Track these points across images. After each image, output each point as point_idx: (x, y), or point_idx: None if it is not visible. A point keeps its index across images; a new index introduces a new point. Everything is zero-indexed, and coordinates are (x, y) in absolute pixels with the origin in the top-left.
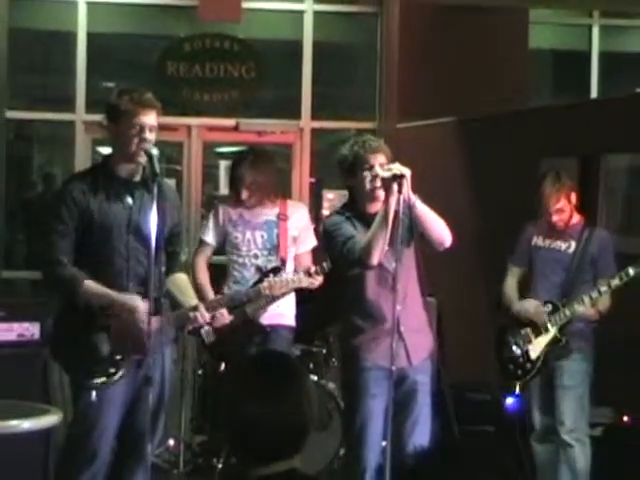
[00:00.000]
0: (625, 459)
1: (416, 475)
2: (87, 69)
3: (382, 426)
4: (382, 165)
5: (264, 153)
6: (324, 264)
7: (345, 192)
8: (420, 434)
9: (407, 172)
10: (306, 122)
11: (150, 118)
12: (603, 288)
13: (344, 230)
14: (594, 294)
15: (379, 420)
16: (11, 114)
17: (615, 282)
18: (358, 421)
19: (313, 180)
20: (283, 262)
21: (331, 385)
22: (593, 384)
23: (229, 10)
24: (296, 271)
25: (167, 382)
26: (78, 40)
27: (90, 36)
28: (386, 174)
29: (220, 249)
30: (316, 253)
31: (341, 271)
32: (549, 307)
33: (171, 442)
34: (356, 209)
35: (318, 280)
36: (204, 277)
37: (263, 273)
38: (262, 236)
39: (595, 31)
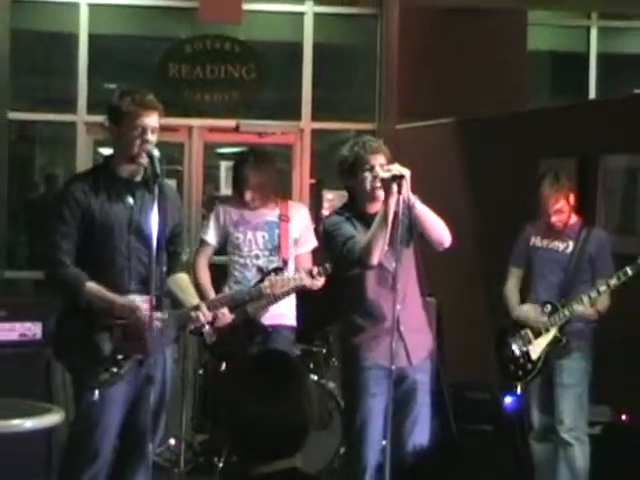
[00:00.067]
0: (623, 457)
1: (415, 474)
2: (89, 70)
3: (382, 425)
4: (382, 166)
5: (265, 153)
6: (326, 265)
7: (345, 192)
8: (420, 433)
9: (407, 173)
10: (306, 123)
11: (152, 120)
12: (602, 288)
13: (344, 230)
14: (593, 294)
15: (379, 419)
16: (13, 115)
17: (613, 282)
18: (358, 420)
19: (313, 181)
20: (285, 263)
21: (331, 384)
22: (592, 383)
23: (230, 12)
24: (297, 270)
25: (168, 381)
26: (80, 42)
27: (92, 38)
28: (386, 175)
29: (221, 249)
30: (316, 254)
31: (341, 271)
32: (548, 307)
33: (172, 441)
34: (356, 209)
35: (320, 281)
36: (205, 277)
37: (265, 273)
38: (263, 237)
39: (593, 33)
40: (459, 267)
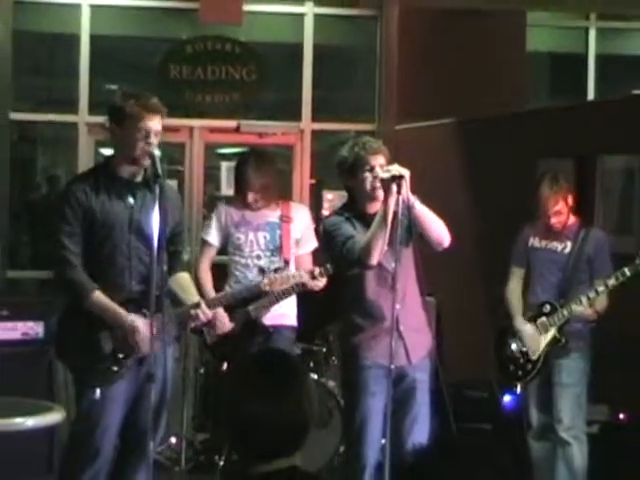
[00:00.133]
0: (621, 456)
1: (415, 472)
2: (90, 71)
3: (381, 424)
4: (382, 166)
5: (265, 154)
6: (328, 266)
7: (345, 193)
8: (419, 432)
9: (406, 173)
10: (306, 124)
11: (155, 123)
12: (600, 288)
13: (344, 230)
14: (591, 294)
15: (378, 418)
16: (15, 116)
17: (611, 282)
18: (358, 419)
19: (313, 181)
20: (286, 263)
21: (331, 383)
22: (590, 382)
23: (230, 13)
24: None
25: (169, 380)
26: (81, 43)
27: (93, 39)
28: (385, 175)
29: (221, 249)
30: (316, 254)
31: (341, 271)
32: (547, 308)
33: (173, 440)
34: (356, 209)
35: (322, 282)
36: (207, 280)
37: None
38: (265, 237)
39: (592, 34)
40: (459, 267)
